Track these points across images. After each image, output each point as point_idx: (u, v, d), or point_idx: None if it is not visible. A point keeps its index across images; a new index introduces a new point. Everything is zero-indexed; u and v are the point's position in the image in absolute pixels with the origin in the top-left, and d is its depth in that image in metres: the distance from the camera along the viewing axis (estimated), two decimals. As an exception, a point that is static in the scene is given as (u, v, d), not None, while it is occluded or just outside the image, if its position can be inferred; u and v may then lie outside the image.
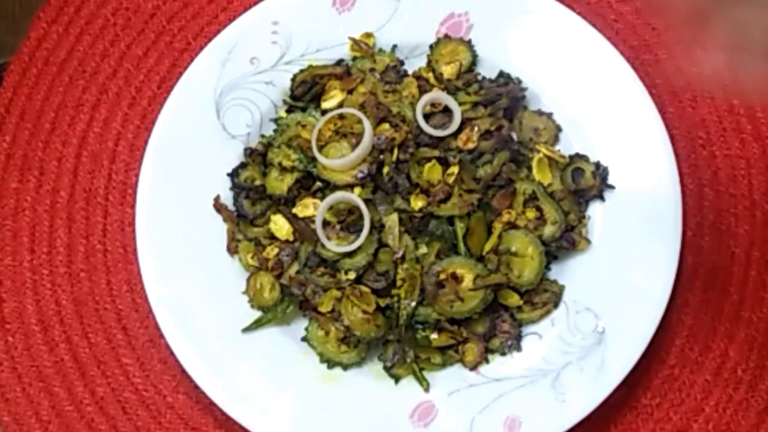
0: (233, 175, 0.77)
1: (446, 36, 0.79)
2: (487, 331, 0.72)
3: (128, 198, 0.81)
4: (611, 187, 0.74)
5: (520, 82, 0.77)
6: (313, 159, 0.73)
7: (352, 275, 0.71)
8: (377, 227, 0.72)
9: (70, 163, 0.83)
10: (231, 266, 0.76)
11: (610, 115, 0.75)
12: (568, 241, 0.73)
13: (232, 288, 0.75)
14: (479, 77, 0.78)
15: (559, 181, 0.75)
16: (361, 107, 0.75)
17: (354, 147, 0.73)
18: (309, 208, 0.73)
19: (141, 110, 0.84)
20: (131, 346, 0.78)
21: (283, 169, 0.75)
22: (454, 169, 0.72)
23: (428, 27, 0.79)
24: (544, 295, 0.73)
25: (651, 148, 0.74)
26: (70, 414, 0.76)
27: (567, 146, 0.76)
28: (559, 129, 0.77)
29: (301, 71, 0.78)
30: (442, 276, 0.71)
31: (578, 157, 0.75)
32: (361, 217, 0.71)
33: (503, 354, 0.72)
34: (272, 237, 0.75)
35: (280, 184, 0.75)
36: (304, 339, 0.73)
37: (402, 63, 0.79)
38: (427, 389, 0.71)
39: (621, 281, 0.71)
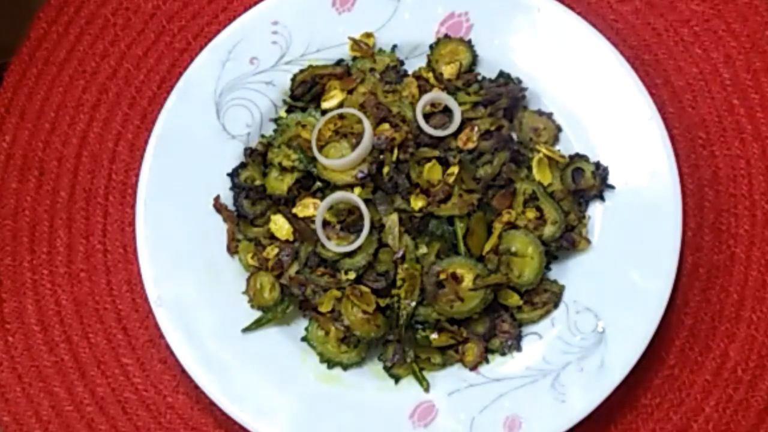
0: (233, 175, 0.77)
1: (446, 36, 0.79)
2: (487, 331, 0.72)
3: (128, 198, 0.81)
4: (611, 187, 0.74)
5: (520, 82, 0.77)
6: (313, 159, 0.73)
7: (352, 275, 0.71)
8: (377, 227, 0.72)
9: (70, 163, 0.83)
10: (231, 266, 0.76)
11: (610, 115, 0.75)
12: (568, 241, 0.73)
13: (232, 288, 0.75)
14: (479, 77, 0.78)
15: (559, 181, 0.75)
16: (361, 107, 0.75)
17: (354, 147, 0.73)
18: (309, 208, 0.73)
19: (141, 110, 0.84)
20: (131, 346, 0.78)
21: (283, 169, 0.75)
22: (454, 169, 0.72)
23: (428, 27, 0.79)
24: (544, 295, 0.73)
25: (651, 148, 0.74)
26: (70, 414, 0.77)
27: (567, 146, 0.76)
28: (559, 129, 0.77)
29: (301, 71, 0.78)
30: (442, 276, 0.71)
31: (578, 157, 0.75)
32: (361, 217, 0.71)
33: (503, 354, 0.72)
34: (272, 237, 0.75)
35: (280, 184, 0.75)
36: (304, 339, 0.73)
37: (402, 63, 0.79)
38: (427, 389, 0.71)
39: (621, 281, 0.71)
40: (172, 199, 0.76)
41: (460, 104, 0.75)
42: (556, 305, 0.73)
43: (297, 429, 0.70)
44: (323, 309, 0.72)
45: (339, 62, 0.79)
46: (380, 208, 0.72)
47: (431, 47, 0.79)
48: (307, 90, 0.78)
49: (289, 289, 0.73)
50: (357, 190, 0.72)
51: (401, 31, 0.79)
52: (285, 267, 0.74)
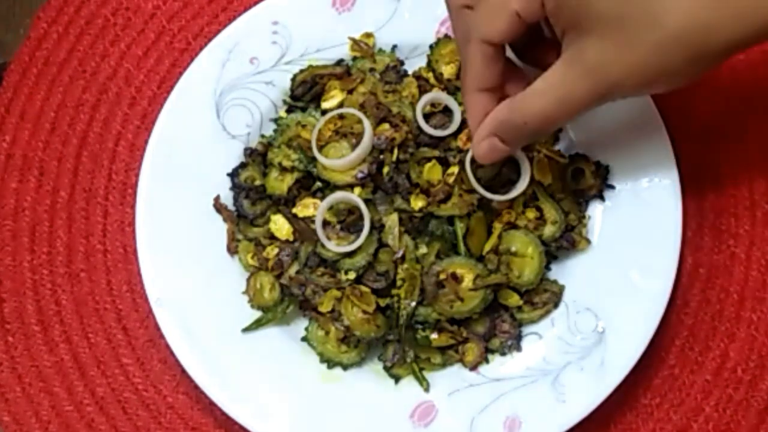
0: (233, 175, 0.77)
1: (446, 36, 0.79)
2: (487, 331, 0.72)
3: (128, 198, 0.81)
4: (611, 187, 0.74)
5: (520, 82, 0.77)
6: (313, 159, 0.73)
7: (352, 275, 0.71)
8: (377, 227, 0.72)
9: (70, 163, 0.83)
10: (231, 266, 0.76)
11: (610, 115, 0.75)
12: (568, 241, 0.73)
13: (232, 288, 0.75)
14: (479, 77, 0.78)
15: (559, 181, 0.75)
16: (361, 107, 0.75)
17: (354, 147, 0.73)
18: (309, 208, 0.73)
19: (141, 110, 0.84)
20: (131, 346, 0.78)
21: (283, 169, 0.75)
22: (454, 169, 0.72)
23: (428, 27, 0.79)
24: (544, 295, 0.73)
25: (651, 148, 0.74)
26: (70, 414, 0.77)
27: (567, 146, 0.76)
28: (559, 129, 0.77)
29: (301, 71, 0.78)
30: (442, 276, 0.71)
31: (578, 157, 0.75)
32: (361, 217, 0.71)
33: (503, 354, 0.72)
34: (272, 237, 0.75)
35: (280, 184, 0.75)
36: (304, 339, 0.73)
37: (402, 63, 0.79)
38: (427, 389, 0.71)
39: (621, 281, 0.71)
40: (172, 199, 0.76)
41: (460, 104, 0.75)
42: (556, 305, 0.73)
43: (297, 429, 0.70)
44: (323, 309, 0.72)
45: (339, 62, 0.79)
46: (380, 208, 0.72)
47: (431, 47, 0.79)
48: (307, 90, 0.78)
49: (289, 289, 0.73)
50: (357, 190, 0.72)
51: (401, 31, 0.79)
52: (285, 267, 0.74)
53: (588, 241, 0.73)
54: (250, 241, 0.75)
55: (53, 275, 0.80)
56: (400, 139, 0.72)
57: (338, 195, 0.72)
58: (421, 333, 0.72)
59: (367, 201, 0.72)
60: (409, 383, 0.72)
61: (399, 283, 0.71)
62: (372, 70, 0.78)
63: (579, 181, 0.74)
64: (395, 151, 0.72)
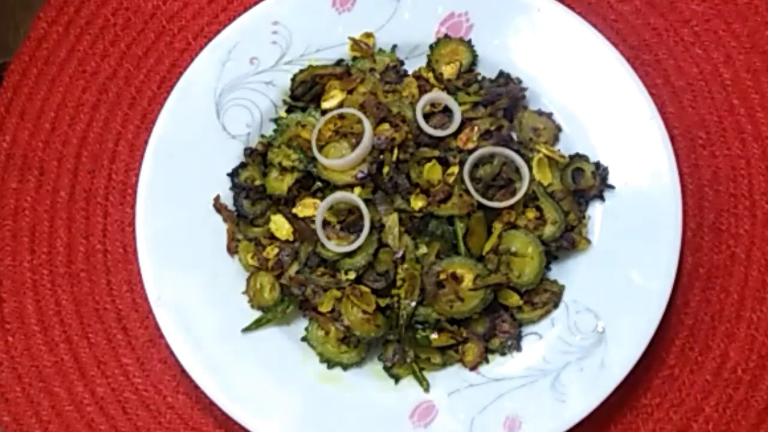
0: (233, 175, 0.77)
1: (446, 36, 0.79)
2: (487, 331, 0.72)
3: (128, 198, 0.81)
4: (611, 187, 0.74)
5: (520, 82, 0.77)
6: (313, 159, 0.73)
7: (352, 275, 0.71)
8: (377, 227, 0.72)
9: (70, 163, 0.83)
10: (231, 266, 0.76)
11: (610, 115, 0.75)
12: (568, 241, 0.73)
13: (232, 288, 0.75)
14: (479, 77, 0.78)
15: (559, 181, 0.75)
16: (361, 107, 0.75)
17: (354, 147, 0.73)
18: (309, 208, 0.73)
19: (141, 110, 0.84)
20: (131, 346, 0.78)
21: (283, 169, 0.75)
22: (454, 169, 0.72)
23: (428, 27, 0.79)
24: (544, 295, 0.73)
25: (651, 148, 0.74)
26: (70, 414, 0.77)
27: (567, 146, 0.76)
28: (559, 129, 0.77)
29: (301, 71, 0.78)
30: (442, 276, 0.71)
31: (578, 157, 0.75)
32: (361, 217, 0.71)
33: (503, 354, 0.72)
34: (272, 237, 0.75)
35: (280, 184, 0.75)
36: (304, 339, 0.73)
37: (402, 63, 0.79)
38: (427, 389, 0.71)
39: (621, 281, 0.71)
40: (172, 199, 0.76)
41: (460, 104, 0.75)
42: (556, 305, 0.73)
43: (297, 429, 0.70)
44: (323, 309, 0.72)
45: (339, 62, 0.79)
46: (380, 208, 0.72)
47: (431, 47, 0.79)
48: (307, 90, 0.78)
49: (289, 289, 0.73)
50: (357, 190, 0.72)
51: (401, 31, 0.79)
52: (285, 267, 0.74)
53: (588, 241, 0.73)
54: (250, 241, 0.75)
55: (53, 275, 0.80)
56: (400, 139, 0.72)
57: (338, 195, 0.72)
58: (421, 333, 0.72)
59: (367, 201, 0.72)
60: (409, 383, 0.72)
61: (399, 283, 0.71)
62: (372, 70, 0.78)
63: (579, 181, 0.74)
64: (395, 151, 0.72)
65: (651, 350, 0.70)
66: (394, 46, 0.80)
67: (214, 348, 0.72)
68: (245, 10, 0.81)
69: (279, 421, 0.70)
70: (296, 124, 0.76)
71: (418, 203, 0.72)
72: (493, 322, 0.72)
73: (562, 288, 0.73)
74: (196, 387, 0.71)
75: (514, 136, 0.77)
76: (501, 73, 0.78)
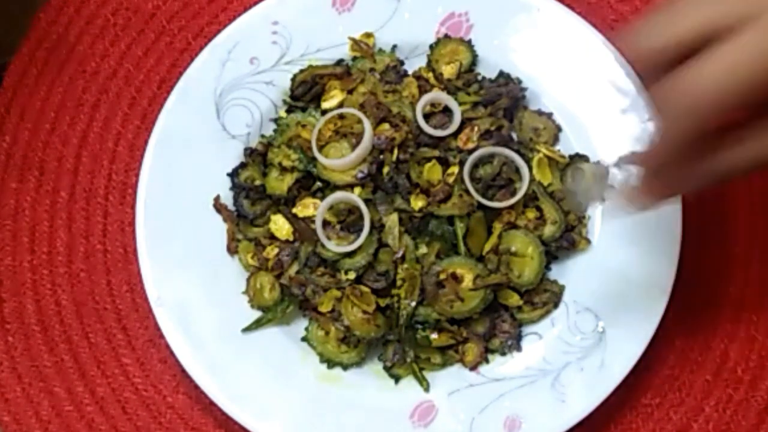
0: (233, 175, 0.77)
1: (446, 36, 0.79)
2: (487, 331, 0.72)
3: (128, 198, 0.81)
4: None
5: (520, 82, 0.77)
6: (313, 159, 0.73)
7: (352, 275, 0.71)
8: (377, 227, 0.72)
9: (70, 163, 0.83)
10: (231, 266, 0.76)
11: (610, 115, 0.75)
12: (568, 241, 0.73)
13: (232, 288, 0.75)
14: (479, 77, 0.78)
15: (559, 181, 0.75)
16: (361, 107, 0.75)
17: (354, 147, 0.73)
18: (309, 208, 0.73)
19: (141, 110, 0.84)
20: (131, 346, 0.78)
21: (283, 169, 0.75)
22: (454, 169, 0.72)
23: (428, 27, 0.79)
24: (544, 295, 0.73)
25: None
26: (70, 414, 0.76)
27: (567, 146, 0.76)
28: (559, 129, 0.77)
29: (301, 71, 0.78)
30: (442, 276, 0.71)
31: (578, 157, 0.75)
32: (361, 217, 0.71)
33: (503, 354, 0.72)
34: (272, 237, 0.75)
35: (280, 184, 0.75)
36: (304, 339, 0.73)
37: (402, 63, 0.79)
38: (427, 389, 0.71)
39: (621, 281, 0.71)
40: (172, 199, 0.76)
41: (460, 104, 0.75)
42: (556, 305, 0.73)
43: (297, 429, 0.70)
44: (323, 309, 0.72)
45: (339, 62, 0.79)
46: (380, 208, 0.72)
47: (431, 47, 0.79)
48: (307, 90, 0.78)
49: (289, 289, 0.73)
50: (357, 190, 0.72)
51: (401, 31, 0.79)
52: (285, 267, 0.74)
53: (588, 241, 0.73)
54: (250, 241, 0.75)
55: (53, 275, 0.80)
56: (400, 139, 0.72)
57: (338, 195, 0.72)
58: (421, 333, 0.72)
59: (367, 201, 0.72)
60: (409, 383, 0.72)
61: (399, 283, 0.71)
62: (372, 70, 0.78)
63: (579, 181, 0.74)
64: (395, 151, 0.72)
65: (651, 350, 0.70)
66: (394, 46, 0.80)
67: (214, 348, 0.72)
68: (245, 10, 0.81)
69: (279, 421, 0.70)
70: (296, 124, 0.76)
71: (418, 203, 0.72)
72: (493, 322, 0.72)
73: (562, 288, 0.73)
74: (196, 387, 0.71)
75: (514, 136, 0.77)
76: (501, 73, 0.78)
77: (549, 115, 0.77)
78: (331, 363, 0.72)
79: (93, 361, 0.78)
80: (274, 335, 0.74)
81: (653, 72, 0.56)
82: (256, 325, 0.73)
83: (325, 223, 0.73)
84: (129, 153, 0.83)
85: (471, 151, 0.73)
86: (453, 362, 0.72)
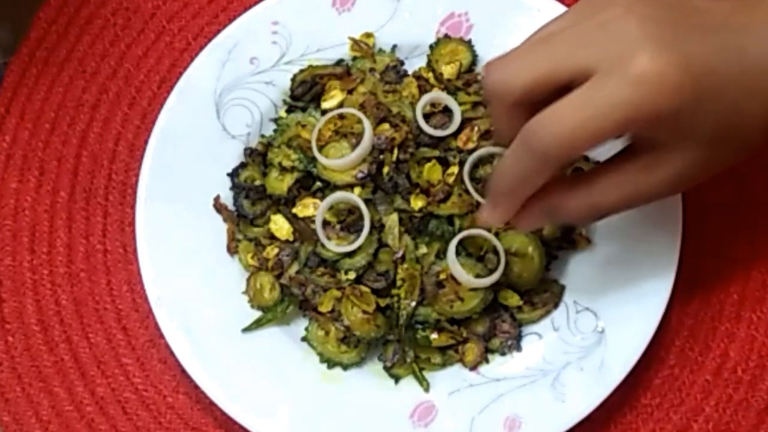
0: (233, 175, 0.77)
1: (446, 36, 0.79)
2: (487, 331, 0.72)
3: (128, 198, 0.81)
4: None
5: (520, 82, 0.77)
6: (313, 159, 0.73)
7: (352, 275, 0.71)
8: (377, 227, 0.72)
9: (70, 163, 0.83)
10: (231, 266, 0.76)
11: (610, 115, 0.75)
12: (568, 241, 0.73)
13: (232, 288, 0.75)
14: (479, 77, 0.78)
15: (559, 181, 0.75)
16: (361, 107, 0.75)
17: (354, 147, 0.73)
18: (309, 208, 0.73)
19: (141, 110, 0.84)
20: (131, 346, 0.78)
21: (283, 169, 0.75)
22: (454, 169, 0.72)
23: (428, 27, 0.79)
24: (544, 295, 0.73)
25: (651, 148, 0.74)
26: (70, 414, 0.76)
27: (567, 146, 0.76)
28: (558, 129, 0.77)
29: (301, 71, 0.78)
30: (442, 276, 0.71)
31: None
32: (361, 217, 0.71)
33: (503, 354, 0.72)
34: (272, 237, 0.75)
35: (280, 184, 0.75)
36: (304, 339, 0.73)
37: (402, 63, 0.79)
38: (427, 389, 0.71)
39: (621, 281, 0.71)
40: (172, 199, 0.76)
41: (460, 104, 0.75)
42: (556, 305, 0.73)
43: (297, 429, 0.70)
44: (323, 309, 0.72)
45: (339, 62, 0.79)
46: (380, 208, 0.72)
47: (431, 47, 0.79)
48: (307, 90, 0.78)
49: (289, 289, 0.73)
50: (357, 190, 0.72)
51: (401, 31, 0.79)
52: (285, 267, 0.74)
53: (588, 241, 0.73)
54: (250, 241, 0.75)
55: (53, 275, 0.80)
56: (400, 139, 0.72)
57: (338, 195, 0.72)
58: (421, 333, 0.72)
59: (367, 201, 0.72)
60: (409, 383, 0.72)
61: (399, 283, 0.71)
62: (372, 70, 0.78)
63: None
64: (395, 151, 0.72)
65: (651, 350, 0.70)
66: (394, 46, 0.80)
67: (214, 348, 0.72)
68: (245, 10, 0.81)
69: (279, 421, 0.70)
70: (296, 124, 0.76)
71: (418, 203, 0.72)
72: (493, 322, 0.72)
73: (562, 288, 0.73)
74: (196, 387, 0.71)
75: (514, 136, 0.77)
76: (501, 73, 0.78)
77: (549, 115, 0.77)
78: (331, 363, 0.72)
79: (93, 361, 0.78)
80: (274, 335, 0.74)
81: (511, 110, 0.56)
82: (256, 325, 0.73)
83: (325, 223, 0.73)
84: (129, 153, 0.83)
85: (471, 151, 0.73)
86: (453, 362, 0.72)
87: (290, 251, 0.74)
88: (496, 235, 0.72)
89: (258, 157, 0.77)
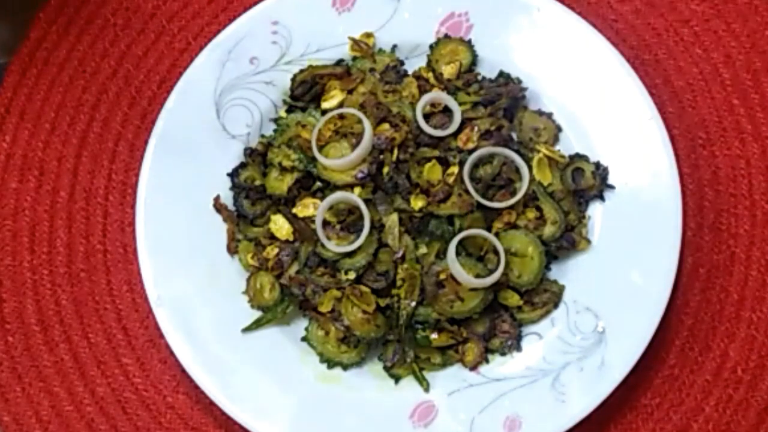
0: (233, 175, 0.77)
1: (446, 36, 0.79)
2: (487, 331, 0.72)
3: (128, 198, 0.81)
4: (611, 187, 0.74)
5: (520, 82, 0.77)
6: (313, 159, 0.73)
7: (352, 275, 0.71)
8: (377, 227, 0.72)
9: (70, 163, 0.83)
10: (231, 266, 0.76)
11: (610, 115, 0.75)
12: (568, 241, 0.73)
13: (232, 288, 0.75)
14: (479, 77, 0.78)
15: (559, 181, 0.75)
16: (361, 107, 0.75)
17: (354, 147, 0.73)
18: (309, 208, 0.73)
19: (141, 110, 0.84)
20: (131, 346, 0.78)
21: (283, 169, 0.75)
22: (454, 169, 0.72)
23: (428, 27, 0.79)
24: (544, 295, 0.73)
25: (651, 148, 0.74)
26: (70, 414, 0.77)
27: (567, 146, 0.76)
28: (559, 129, 0.77)
29: (301, 71, 0.78)
30: (442, 276, 0.71)
31: (578, 157, 0.75)
32: (361, 217, 0.71)
33: (503, 354, 0.72)
34: (272, 237, 0.75)
35: (280, 184, 0.75)
36: (304, 339, 0.73)
37: (402, 63, 0.79)
38: (427, 389, 0.71)
39: (621, 281, 0.71)
40: (172, 199, 0.76)
41: (460, 104, 0.75)
42: (556, 305, 0.73)
43: (297, 429, 0.70)
44: (323, 309, 0.72)
45: (339, 62, 0.79)
46: (380, 208, 0.72)
47: (431, 47, 0.79)
48: (307, 90, 0.78)
49: (289, 289, 0.73)
50: (357, 190, 0.72)
51: (401, 31, 0.79)
52: (285, 267, 0.74)
53: (588, 241, 0.73)
54: (250, 241, 0.75)
55: (53, 275, 0.80)
56: (400, 139, 0.72)
57: (338, 195, 0.72)
58: (421, 333, 0.72)
59: (367, 201, 0.72)
60: (409, 383, 0.72)
61: (399, 283, 0.71)
62: (372, 70, 0.78)
63: (579, 181, 0.74)
64: (395, 151, 0.72)
65: (651, 350, 0.70)
66: (394, 46, 0.80)
67: (214, 348, 0.72)
68: (245, 10, 0.81)
69: (279, 421, 0.70)
70: (296, 124, 0.76)
71: (418, 203, 0.72)
72: (493, 322, 0.72)
73: (562, 288, 0.73)
74: (196, 387, 0.71)
75: (514, 136, 0.77)
76: (501, 73, 0.78)
77: (549, 115, 0.77)
78: (331, 363, 0.72)
79: (93, 361, 0.78)
80: (274, 335, 0.74)
81: None
82: (256, 325, 0.73)
83: (325, 223, 0.73)
84: (129, 153, 0.83)
85: (471, 151, 0.73)
86: (453, 362, 0.72)
87: (290, 251, 0.74)
88: (496, 235, 0.72)
89: (258, 157, 0.77)
